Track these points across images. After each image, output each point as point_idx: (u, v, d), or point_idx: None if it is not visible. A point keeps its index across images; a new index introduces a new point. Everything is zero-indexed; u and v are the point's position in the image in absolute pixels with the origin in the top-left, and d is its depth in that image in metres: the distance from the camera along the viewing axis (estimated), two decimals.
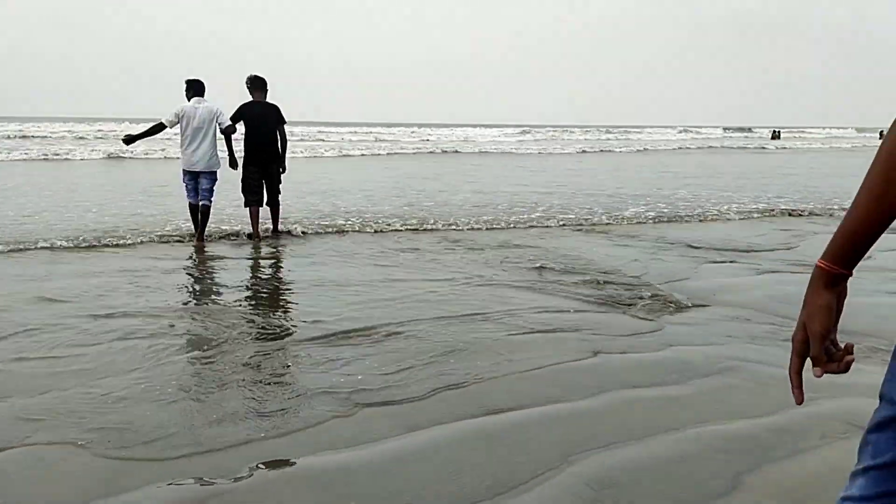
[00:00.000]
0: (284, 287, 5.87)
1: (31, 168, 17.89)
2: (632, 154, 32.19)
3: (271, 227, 8.25)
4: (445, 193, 12.93)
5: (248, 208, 8.13)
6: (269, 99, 8.17)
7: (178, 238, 7.82)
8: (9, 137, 30.78)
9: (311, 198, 11.58)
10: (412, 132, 49.91)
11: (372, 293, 5.38)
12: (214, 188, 7.83)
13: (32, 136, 32.21)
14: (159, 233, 7.99)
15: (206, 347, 4.03)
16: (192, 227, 7.89)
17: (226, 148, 7.88)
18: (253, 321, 4.61)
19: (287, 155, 8.34)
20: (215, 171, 7.81)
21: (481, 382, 3.55)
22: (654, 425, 3.08)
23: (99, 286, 5.47)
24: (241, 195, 8.13)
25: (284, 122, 8.14)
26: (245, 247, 7.61)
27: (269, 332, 4.39)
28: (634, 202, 11.80)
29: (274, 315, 4.81)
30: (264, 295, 5.51)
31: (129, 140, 7.72)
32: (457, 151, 30.98)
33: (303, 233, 8.31)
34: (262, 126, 8.00)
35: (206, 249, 7.40)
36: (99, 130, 37.18)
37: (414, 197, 12.21)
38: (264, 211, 8.18)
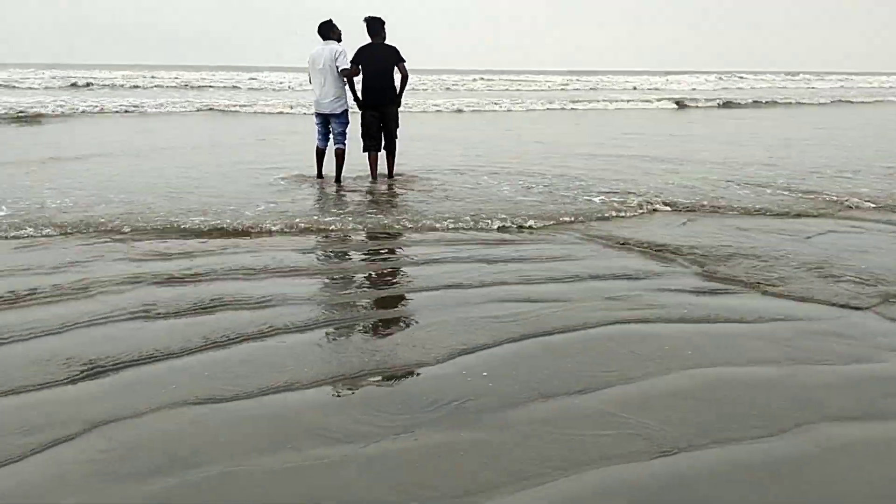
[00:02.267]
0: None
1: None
2: None
3: (387, 171, 8.00)
4: None
5: (365, 153, 7.94)
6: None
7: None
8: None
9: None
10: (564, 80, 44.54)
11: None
12: (346, 131, 7.74)
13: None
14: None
15: None
16: (316, 169, 7.94)
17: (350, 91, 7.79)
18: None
19: (405, 92, 7.88)
20: (344, 113, 7.70)
21: (607, 389, 2.66)
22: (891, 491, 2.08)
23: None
24: (360, 139, 7.90)
25: (403, 61, 7.65)
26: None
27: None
28: None
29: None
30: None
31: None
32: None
33: None
34: (377, 68, 7.64)
35: (341, 192, 7.34)
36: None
37: None
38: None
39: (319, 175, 7.86)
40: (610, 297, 3.80)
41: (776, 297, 3.87)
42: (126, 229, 5.40)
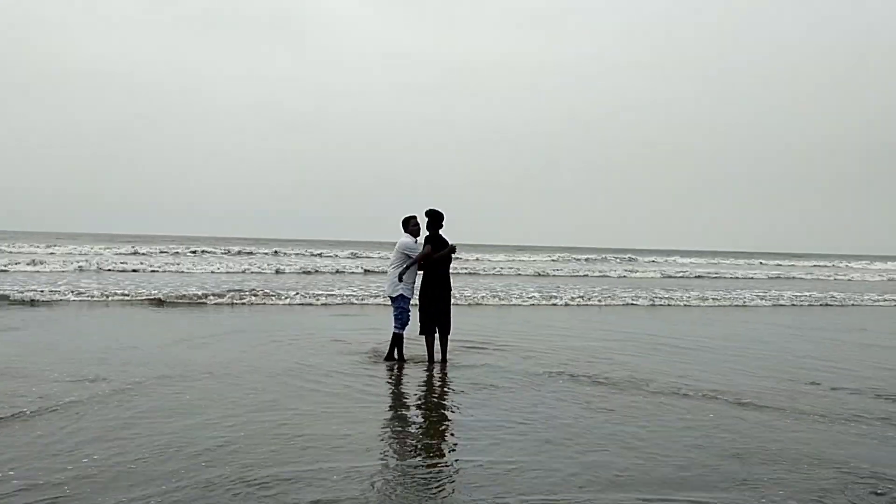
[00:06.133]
0: None
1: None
2: None
3: (440, 355, 8.42)
4: None
5: (422, 335, 8.41)
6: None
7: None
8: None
9: None
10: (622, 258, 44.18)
11: None
12: (398, 315, 8.32)
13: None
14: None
15: None
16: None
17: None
18: None
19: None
20: (394, 298, 8.33)
21: None
22: None
23: None
24: (419, 322, 8.37)
25: (454, 252, 8.41)
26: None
27: None
28: None
29: None
30: None
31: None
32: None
33: None
34: (442, 257, 8.27)
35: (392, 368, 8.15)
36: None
37: None
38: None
39: (389, 356, 8.57)
40: None
41: None
42: None
